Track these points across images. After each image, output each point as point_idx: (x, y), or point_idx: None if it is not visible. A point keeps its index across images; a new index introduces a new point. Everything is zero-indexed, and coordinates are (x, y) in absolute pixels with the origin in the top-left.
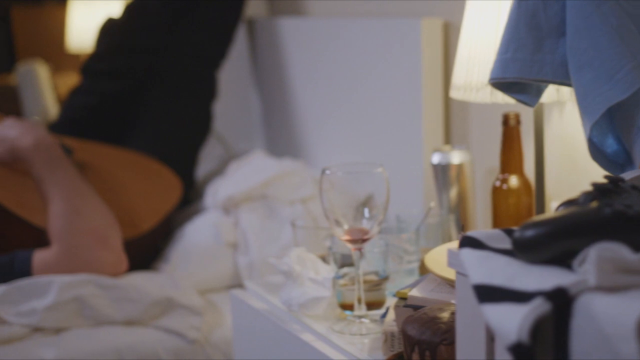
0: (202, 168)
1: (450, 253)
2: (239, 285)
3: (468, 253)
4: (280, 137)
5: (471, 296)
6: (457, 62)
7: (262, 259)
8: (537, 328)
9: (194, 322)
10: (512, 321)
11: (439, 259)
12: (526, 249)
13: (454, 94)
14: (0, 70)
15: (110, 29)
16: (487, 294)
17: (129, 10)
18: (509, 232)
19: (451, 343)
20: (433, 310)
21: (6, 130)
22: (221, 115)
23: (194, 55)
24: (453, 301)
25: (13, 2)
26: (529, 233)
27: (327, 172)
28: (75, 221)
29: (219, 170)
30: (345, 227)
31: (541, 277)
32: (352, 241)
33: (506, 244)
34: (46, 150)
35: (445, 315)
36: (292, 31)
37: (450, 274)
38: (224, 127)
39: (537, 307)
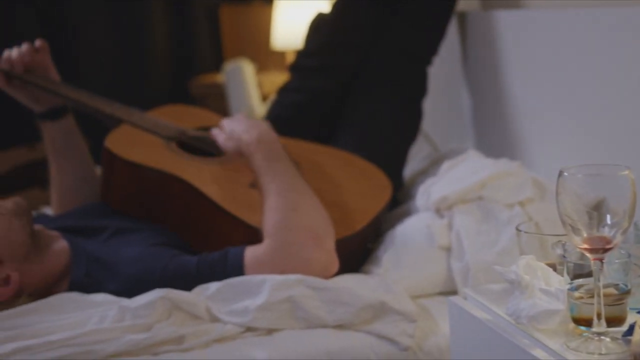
0: (409, 168)
1: None
2: (452, 291)
3: None
4: (493, 136)
5: None
6: None
7: (478, 264)
8: None
9: (408, 328)
10: None
11: None
12: None
13: None
14: (208, 69)
15: (319, 25)
16: None
17: (338, 6)
18: None
19: None
20: None
21: (234, 125)
22: (429, 112)
23: (405, 51)
24: None
25: (222, 2)
26: None
27: (566, 173)
28: (291, 217)
29: (426, 170)
30: (584, 234)
31: None
32: (592, 250)
33: None
34: (268, 145)
35: None
36: (508, 25)
37: None
38: (431, 125)
39: None
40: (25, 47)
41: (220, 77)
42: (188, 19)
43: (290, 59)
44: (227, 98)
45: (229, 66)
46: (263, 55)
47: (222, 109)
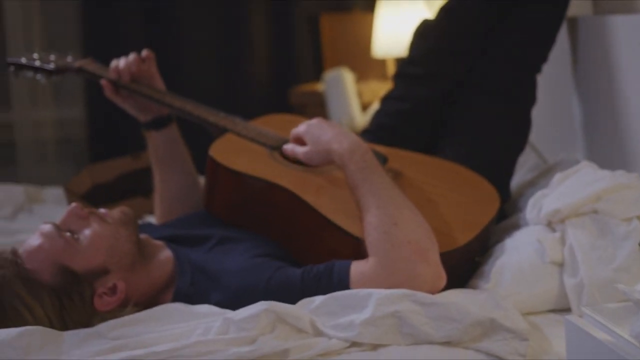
0: (516, 179)
1: None
2: (564, 308)
3: None
4: (606, 147)
5: None
6: None
7: (593, 281)
8: None
9: (519, 347)
10: None
11: None
12: None
13: None
14: (308, 78)
15: (424, 32)
16: None
17: (444, 12)
18: None
19: None
20: None
21: (318, 131)
22: (535, 121)
23: (513, 58)
24: None
25: (322, 10)
26: None
27: None
28: (393, 233)
29: (535, 182)
30: None
31: None
32: None
33: None
34: (362, 156)
35: None
36: (622, 29)
37: None
38: (538, 134)
39: None
40: (132, 56)
41: (319, 86)
42: (288, 28)
43: (391, 67)
44: (327, 107)
45: (329, 75)
46: (363, 63)
47: (323, 117)
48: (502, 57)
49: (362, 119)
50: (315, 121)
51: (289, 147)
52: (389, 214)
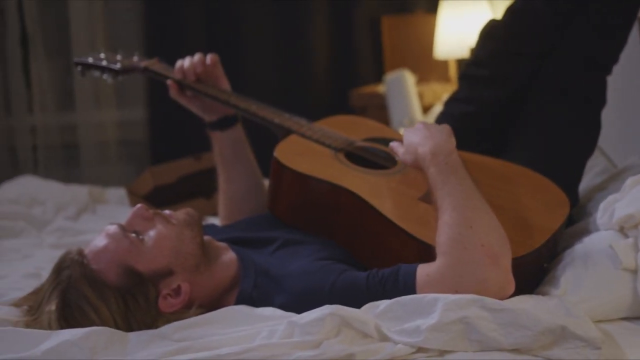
0: (583, 183)
1: None
2: (638, 316)
3: None
4: None
5: None
6: None
7: None
8: None
9: (591, 355)
10: None
11: None
12: None
13: None
14: (369, 80)
15: (491, 32)
16: None
17: (511, 12)
18: None
19: None
20: None
21: (412, 136)
22: (605, 124)
23: (584, 59)
24: None
25: (383, 12)
26: None
27: None
28: (467, 234)
29: (604, 186)
30: None
31: None
32: None
33: None
34: (444, 158)
35: None
36: None
37: None
38: (607, 137)
39: None
40: (197, 56)
41: (380, 88)
42: (349, 30)
43: (452, 69)
44: (388, 109)
45: (390, 76)
46: (424, 65)
47: (383, 120)
48: (571, 58)
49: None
50: (417, 124)
51: (395, 145)
52: (466, 217)
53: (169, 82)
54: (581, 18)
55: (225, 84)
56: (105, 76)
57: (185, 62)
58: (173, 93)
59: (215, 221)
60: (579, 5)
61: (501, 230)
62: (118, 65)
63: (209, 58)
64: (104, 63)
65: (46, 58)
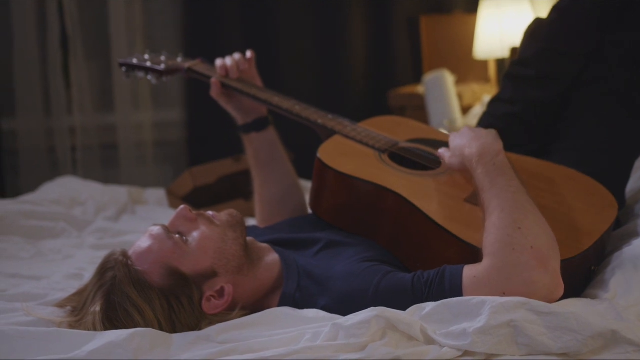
0: (630, 184)
1: None
2: None
3: None
4: None
5: None
6: None
7: None
8: None
9: None
10: None
11: None
12: None
13: None
14: (408, 80)
15: (537, 31)
16: None
17: (557, 11)
18: None
19: None
20: None
21: (458, 139)
22: None
23: (631, 58)
24: None
25: (422, 12)
26: None
27: None
28: (515, 236)
29: None
30: None
31: None
32: None
33: None
34: (491, 159)
35: None
36: None
37: None
38: None
39: None
40: (237, 55)
41: (419, 88)
42: (387, 30)
43: (492, 69)
44: (426, 109)
45: (429, 77)
46: (464, 65)
47: (421, 121)
48: (618, 57)
49: (462, 122)
50: (462, 129)
51: (442, 151)
52: (514, 218)
53: (212, 80)
54: (629, 15)
55: (260, 84)
56: (149, 77)
57: (227, 60)
58: (215, 92)
59: (253, 223)
60: (626, 1)
61: (550, 232)
62: (162, 66)
63: (249, 53)
64: (148, 64)
65: (85, 59)
